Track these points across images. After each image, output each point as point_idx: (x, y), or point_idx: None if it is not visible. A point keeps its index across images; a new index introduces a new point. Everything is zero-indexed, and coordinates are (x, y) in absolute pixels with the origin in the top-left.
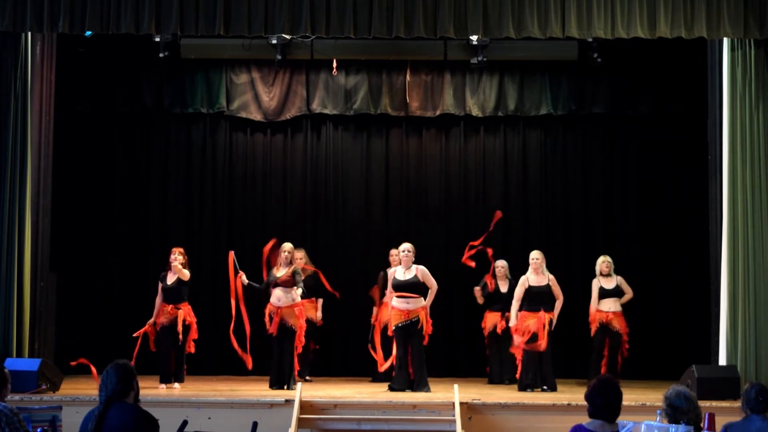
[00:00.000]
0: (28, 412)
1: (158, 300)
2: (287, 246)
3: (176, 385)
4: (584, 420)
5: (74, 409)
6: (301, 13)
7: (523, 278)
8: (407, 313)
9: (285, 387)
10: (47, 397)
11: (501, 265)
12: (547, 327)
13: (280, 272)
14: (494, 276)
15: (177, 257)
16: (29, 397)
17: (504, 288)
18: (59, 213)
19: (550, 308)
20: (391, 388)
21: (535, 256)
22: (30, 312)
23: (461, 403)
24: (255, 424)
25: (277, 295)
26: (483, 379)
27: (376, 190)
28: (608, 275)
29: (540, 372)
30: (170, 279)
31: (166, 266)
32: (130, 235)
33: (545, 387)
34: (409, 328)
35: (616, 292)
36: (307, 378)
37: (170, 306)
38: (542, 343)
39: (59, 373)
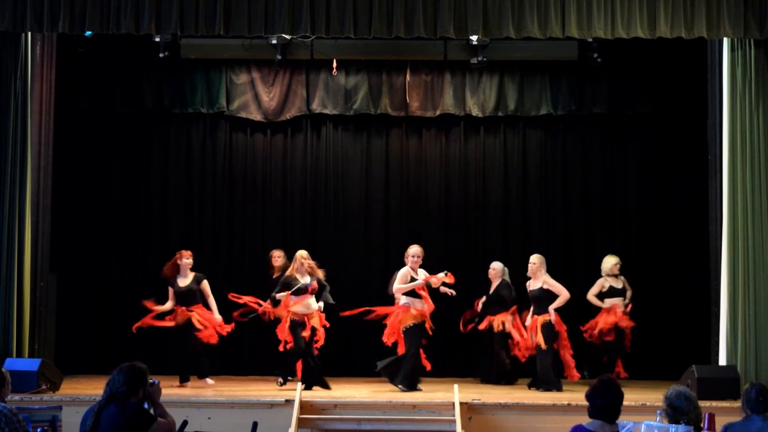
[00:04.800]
0: (28, 412)
1: (169, 304)
2: (304, 254)
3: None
4: (584, 420)
5: (74, 409)
6: (301, 13)
7: (527, 283)
8: (422, 314)
9: (319, 386)
10: (47, 397)
11: (494, 266)
12: (539, 329)
13: (306, 279)
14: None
15: (189, 261)
16: (29, 397)
17: (491, 290)
18: (59, 213)
19: (543, 311)
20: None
21: (531, 260)
22: (30, 312)
23: (461, 403)
24: (255, 424)
25: (306, 304)
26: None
27: (376, 190)
28: (616, 276)
29: (536, 372)
30: (181, 281)
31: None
32: (130, 235)
33: (540, 387)
34: (417, 329)
35: (623, 292)
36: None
37: (182, 308)
38: (540, 343)
39: (59, 373)
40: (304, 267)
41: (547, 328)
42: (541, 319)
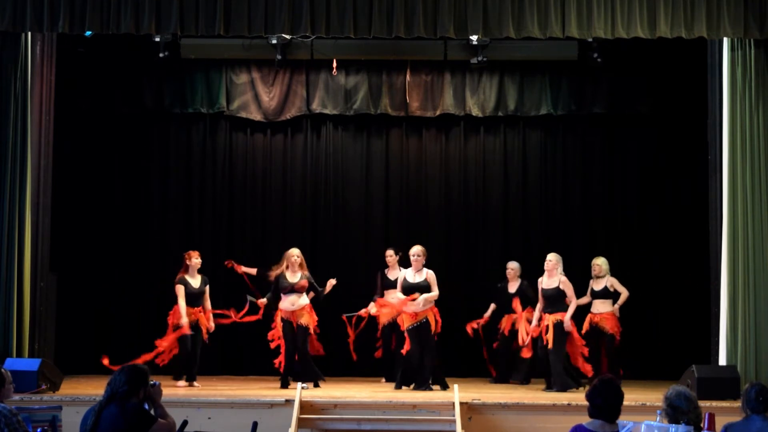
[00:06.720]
0: (28, 412)
1: (182, 302)
2: (296, 251)
3: (196, 384)
4: (584, 420)
5: (74, 409)
6: (301, 13)
7: (540, 279)
8: (415, 315)
9: (313, 385)
10: (47, 397)
11: (512, 267)
12: (551, 328)
13: (295, 278)
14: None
15: (198, 261)
16: (29, 397)
17: (512, 289)
18: (59, 213)
19: (557, 310)
20: (399, 385)
21: (549, 257)
22: (30, 312)
23: (461, 403)
24: (255, 424)
25: (291, 300)
26: (483, 379)
27: (376, 190)
28: (599, 277)
29: (546, 372)
30: (195, 282)
31: (182, 269)
32: (130, 235)
33: (552, 387)
34: (419, 330)
35: (604, 294)
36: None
37: (195, 309)
38: (548, 341)
39: (59, 373)
40: (295, 265)
41: (559, 328)
42: (552, 318)
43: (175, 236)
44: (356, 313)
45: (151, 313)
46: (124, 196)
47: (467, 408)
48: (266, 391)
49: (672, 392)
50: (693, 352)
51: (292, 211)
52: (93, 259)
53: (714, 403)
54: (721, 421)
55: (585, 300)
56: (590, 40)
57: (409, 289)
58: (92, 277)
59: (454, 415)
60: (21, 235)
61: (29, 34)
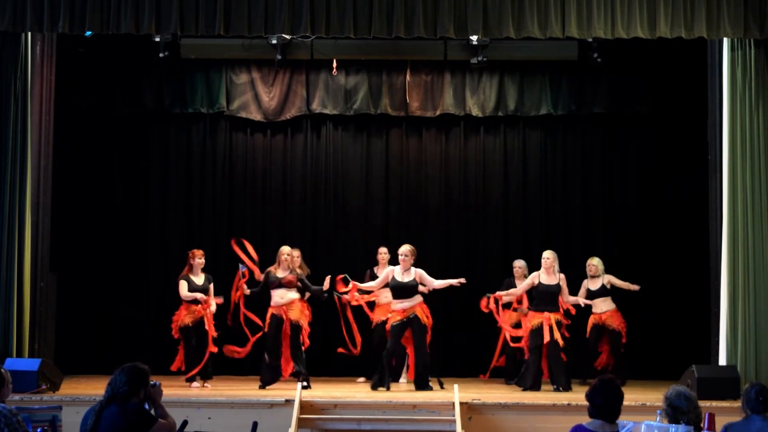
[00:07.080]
0: (28, 412)
1: (187, 292)
2: (286, 249)
3: (207, 384)
4: (584, 420)
5: (74, 409)
6: (301, 13)
7: (534, 274)
8: (403, 312)
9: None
10: (47, 397)
11: (519, 265)
12: (555, 327)
13: (282, 273)
14: (512, 276)
15: (201, 260)
16: (29, 397)
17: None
18: (59, 213)
19: (556, 308)
20: (374, 387)
21: (546, 255)
22: (30, 312)
23: (461, 403)
24: (255, 424)
25: (280, 294)
26: (483, 379)
27: (376, 190)
28: (595, 276)
29: (551, 373)
30: (198, 280)
31: (186, 267)
32: (130, 235)
33: (560, 387)
34: (407, 326)
35: (602, 292)
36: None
37: (198, 306)
38: (558, 339)
39: (59, 373)
40: (284, 263)
41: (560, 326)
42: (553, 316)
43: (175, 236)
44: (343, 294)
45: (151, 313)
46: (124, 196)
47: (467, 408)
48: (266, 391)
49: (672, 392)
50: (693, 352)
51: (292, 211)
52: (93, 259)
53: (714, 403)
54: (721, 421)
55: (582, 299)
56: (590, 40)
57: (397, 288)
58: (92, 277)
59: (454, 415)
60: (21, 235)
61: (29, 34)
